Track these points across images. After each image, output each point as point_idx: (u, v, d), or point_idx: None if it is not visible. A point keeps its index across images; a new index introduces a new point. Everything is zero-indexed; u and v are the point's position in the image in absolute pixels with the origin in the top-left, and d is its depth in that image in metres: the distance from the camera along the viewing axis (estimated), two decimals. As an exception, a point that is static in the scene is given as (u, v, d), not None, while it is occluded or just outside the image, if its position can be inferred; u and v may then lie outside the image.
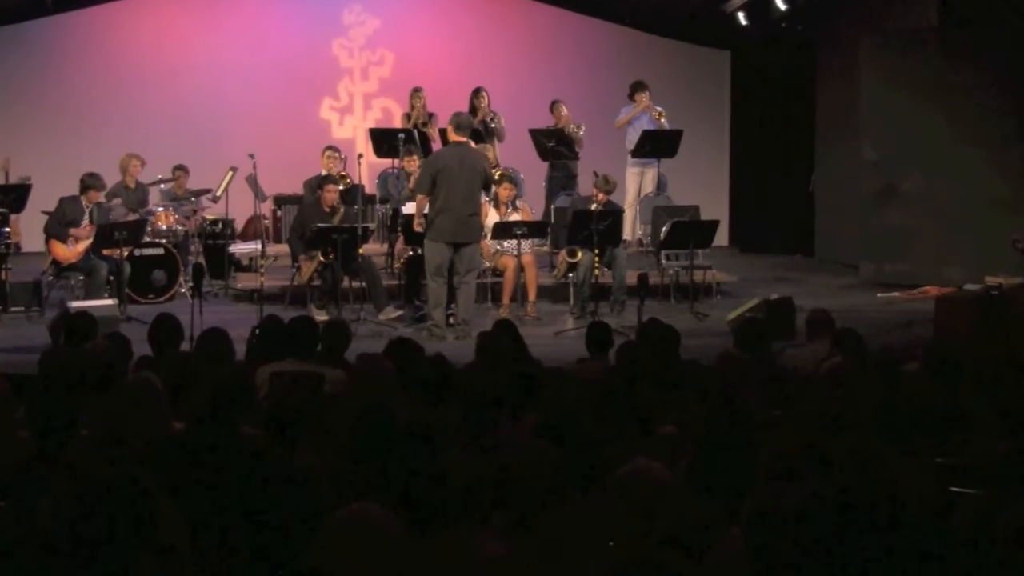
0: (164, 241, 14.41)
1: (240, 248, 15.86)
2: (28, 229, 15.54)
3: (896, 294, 14.71)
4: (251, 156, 14.67)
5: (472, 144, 13.00)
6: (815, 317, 9.30)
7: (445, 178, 12.21)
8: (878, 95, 15.70)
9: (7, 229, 13.36)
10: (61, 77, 18.22)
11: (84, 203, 13.70)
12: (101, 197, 13.94)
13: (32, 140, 17.55)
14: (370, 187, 16.44)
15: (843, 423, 6.28)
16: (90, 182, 13.75)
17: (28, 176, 15.33)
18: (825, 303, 11.85)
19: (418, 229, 12.51)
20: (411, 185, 14.11)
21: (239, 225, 16.66)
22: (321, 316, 11.99)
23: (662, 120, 16.27)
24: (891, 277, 15.30)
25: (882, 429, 5.92)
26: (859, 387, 6.77)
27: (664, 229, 14.02)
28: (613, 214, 13.49)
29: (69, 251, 13.50)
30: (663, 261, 14.33)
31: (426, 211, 12.42)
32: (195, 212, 15.51)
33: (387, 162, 16.11)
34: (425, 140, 15.95)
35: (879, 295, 14.71)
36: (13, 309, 13.26)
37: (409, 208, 13.78)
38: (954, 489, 5.26)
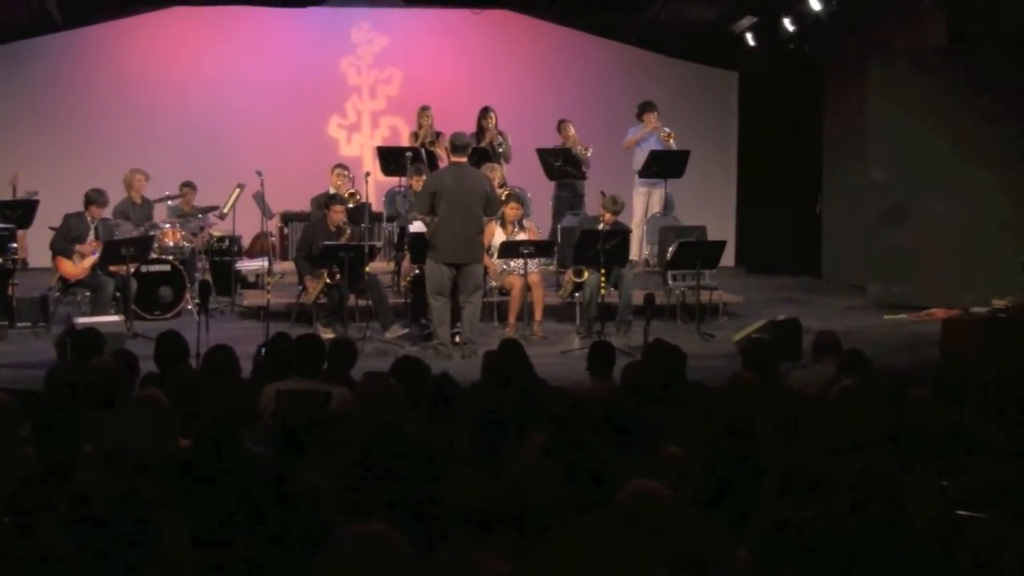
0: (171, 258, 14.42)
1: (247, 265, 15.88)
2: (35, 244, 15.56)
3: (903, 316, 14.69)
4: (258, 173, 14.72)
5: (467, 163, 12.93)
6: (822, 339, 9.28)
7: (444, 199, 12.23)
8: (886, 116, 15.70)
9: (14, 244, 13.37)
10: (69, 93, 18.27)
11: (88, 219, 13.72)
12: (104, 212, 13.95)
13: (40, 156, 17.58)
14: (377, 205, 16.48)
15: (850, 445, 6.26)
16: (93, 196, 13.77)
17: (35, 191, 15.37)
18: (832, 324, 11.86)
19: None
20: (413, 208, 14.12)
21: (246, 242, 16.67)
22: (327, 334, 11.99)
23: (671, 141, 16.26)
24: (898, 299, 15.28)
25: (889, 451, 5.90)
26: (866, 409, 6.75)
27: (671, 249, 14.01)
28: (620, 234, 13.48)
29: (76, 267, 13.51)
30: (670, 281, 14.31)
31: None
32: (202, 229, 15.52)
33: (394, 180, 16.12)
34: (432, 159, 15.95)
35: (886, 317, 14.68)
36: (20, 324, 13.26)
37: (416, 227, 13.78)
38: (961, 512, 5.25)
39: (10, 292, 13.28)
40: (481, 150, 15.46)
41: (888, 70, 15.84)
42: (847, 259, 17.30)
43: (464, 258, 12.34)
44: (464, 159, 12.67)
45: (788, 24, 16.63)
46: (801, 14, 16.30)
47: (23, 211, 14.37)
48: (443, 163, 15.75)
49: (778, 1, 16.46)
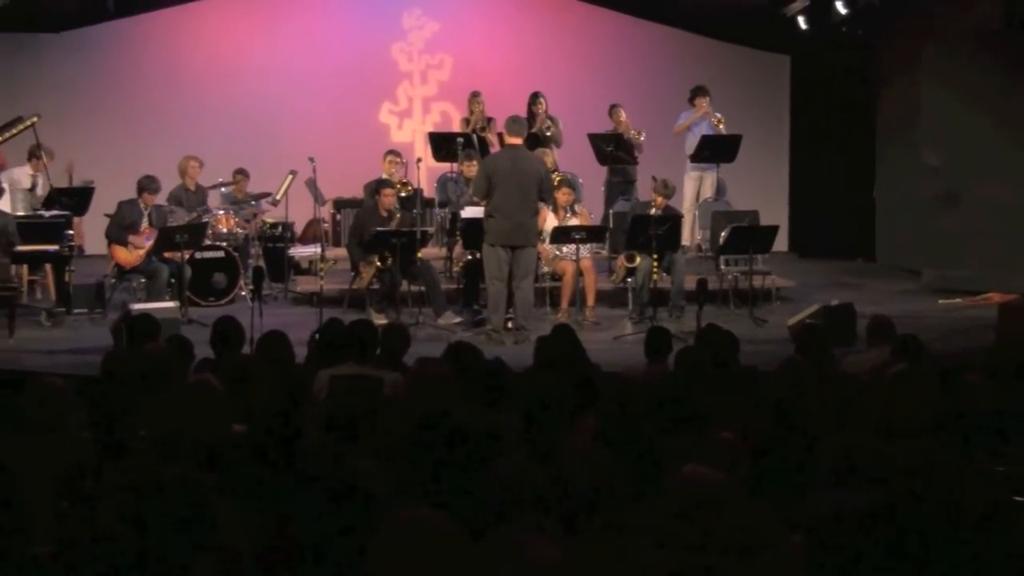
0: (224, 244, 14.50)
1: (299, 251, 15.94)
2: (91, 232, 15.69)
3: (958, 300, 14.58)
4: (311, 160, 14.78)
5: (523, 146, 12.94)
6: (876, 323, 9.24)
7: (499, 181, 12.23)
8: (939, 99, 15.59)
9: (70, 232, 13.48)
10: (123, 81, 18.37)
11: (142, 206, 13.81)
12: (157, 199, 14.04)
13: (94, 143, 17.68)
14: (429, 191, 16.49)
15: (903, 430, 6.24)
16: (145, 183, 13.87)
17: (91, 179, 15.49)
18: (886, 309, 11.79)
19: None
20: (471, 191, 14.15)
21: (299, 228, 16.73)
22: (380, 320, 12.02)
23: (720, 126, 16.20)
24: (953, 283, 15.16)
25: (943, 436, 5.87)
26: (920, 394, 6.71)
27: (723, 234, 13.97)
28: (672, 219, 13.47)
29: (130, 254, 13.61)
30: (722, 266, 14.28)
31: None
32: (255, 215, 15.60)
33: (446, 166, 16.14)
34: (483, 144, 15.96)
35: (941, 301, 14.58)
36: (76, 311, 13.38)
37: (468, 212, 13.80)
38: (1016, 498, 5.21)
39: (67, 279, 13.40)
40: (532, 135, 15.46)
41: (942, 53, 15.73)
42: (901, 243, 17.19)
43: (520, 241, 12.33)
44: (520, 141, 12.67)
45: (840, 7, 16.52)
46: (854, -4, 16.21)
47: (79, 199, 14.53)
48: (494, 148, 15.77)
49: (831, -16, 16.39)
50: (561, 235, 13.41)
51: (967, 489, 4.94)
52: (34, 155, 14.59)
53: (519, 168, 12.35)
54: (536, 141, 15.34)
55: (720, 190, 16.14)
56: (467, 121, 16.58)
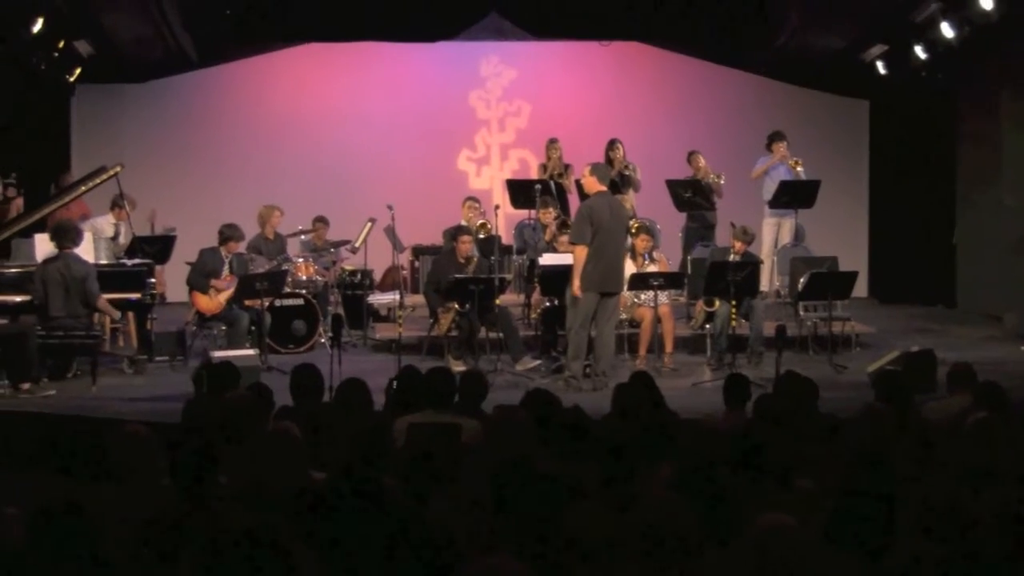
0: (304, 292, 14.58)
1: (378, 298, 16.00)
2: (172, 279, 15.83)
3: (1041, 346, 14.43)
4: (389, 207, 14.87)
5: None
6: (957, 370, 9.14)
7: (600, 228, 12.17)
8: (1019, 143, 15.47)
9: (152, 280, 13.61)
10: (205, 129, 18.61)
11: (224, 254, 13.93)
12: (240, 247, 14.16)
13: (177, 192, 17.88)
14: (507, 238, 16.53)
15: (986, 478, 6.16)
16: (228, 233, 13.98)
17: (173, 228, 15.65)
18: (967, 355, 11.65)
19: (576, 292, 12.26)
20: (557, 238, 14.05)
21: (377, 276, 16.81)
22: (458, 367, 12.05)
23: (799, 170, 16.14)
24: (1036, 329, 15.01)
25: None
26: (1003, 442, 6.64)
27: (802, 280, 13.90)
28: (751, 265, 13.41)
29: (211, 302, 13.71)
30: (801, 312, 14.20)
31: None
32: (334, 263, 15.70)
33: (523, 213, 16.17)
34: (561, 191, 15.98)
35: (1023, 347, 14.42)
36: (158, 358, 13.50)
37: (546, 259, 13.79)
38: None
39: (148, 327, 13.54)
40: (611, 182, 15.48)
41: (1021, 97, 15.60)
42: (982, 288, 17.02)
43: (614, 287, 12.34)
44: (606, 188, 12.65)
45: (920, 52, 16.42)
46: (933, 42, 16.08)
47: (161, 247, 14.70)
48: (572, 195, 15.79)
49: (909, 29, 16.26)
50: (639, 282, 13.38)
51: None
52: (117, 204, 14.75)
53: (616, 214, 12.40)
54: (614, 186, 15.34)
55: (799, 235, 16.05)
56: (544, 168, 16.61)
